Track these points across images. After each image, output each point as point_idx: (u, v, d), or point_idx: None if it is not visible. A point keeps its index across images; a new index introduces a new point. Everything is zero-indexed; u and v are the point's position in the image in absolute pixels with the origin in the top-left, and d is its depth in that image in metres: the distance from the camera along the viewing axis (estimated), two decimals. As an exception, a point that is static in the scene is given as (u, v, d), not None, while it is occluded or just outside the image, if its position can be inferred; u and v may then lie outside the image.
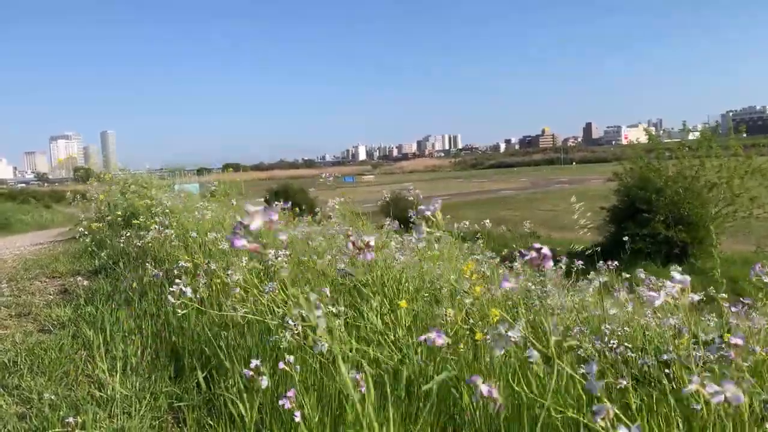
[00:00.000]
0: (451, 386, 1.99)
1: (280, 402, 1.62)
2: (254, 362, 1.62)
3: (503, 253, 5.29)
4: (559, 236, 18.05)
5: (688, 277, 1.19)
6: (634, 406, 1.56)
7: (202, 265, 3.50)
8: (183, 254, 4.50)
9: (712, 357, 1.84)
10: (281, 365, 1.79)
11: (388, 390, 1.84)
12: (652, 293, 1.47)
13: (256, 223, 0.94)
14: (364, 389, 1.72)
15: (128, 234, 5.81)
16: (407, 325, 2.75)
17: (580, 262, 4.37)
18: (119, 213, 7.60)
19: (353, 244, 1.21)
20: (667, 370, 2.28)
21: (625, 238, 5.92)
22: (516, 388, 1.59)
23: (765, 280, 1.94)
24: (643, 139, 18.57)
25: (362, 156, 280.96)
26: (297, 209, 6.20)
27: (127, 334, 3.26)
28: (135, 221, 6.52)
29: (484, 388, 1.06)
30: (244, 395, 1.90)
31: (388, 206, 5.26)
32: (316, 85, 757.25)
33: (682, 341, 2.24)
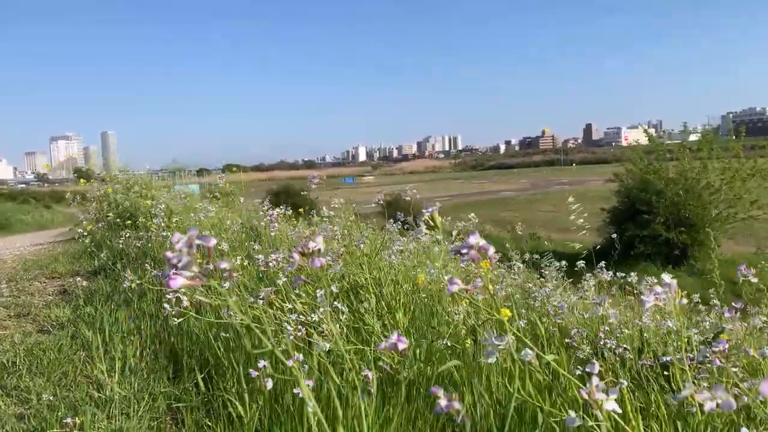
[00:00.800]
0: (450, 385, 1.99)
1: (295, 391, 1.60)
2: (262, 362, 1.62)
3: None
4: (559, 237, 18.03)
5: (674, 281, 1.19)
6: (629, 407, 1.56)
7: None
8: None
9: (707, 358, 1.84)
10: (290, 362, 1.78)
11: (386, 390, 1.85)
12: (644, 297, 1.47)
13: (185, 259, 0.85)
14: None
15: (127, 234, 5.81)
16: (405, 326, 2.75)
17: (582, 261, 4.37)
18: (118, 213, 7.60)
19: (301, 252, 1.19)
20: (666, 372, 2.28)
21: (614, 235, 5.90)
22: (510, 389, 1.59)
23: (752, 280, 1.94)
24: (644, 140, 18.57)
25: (362, 157, 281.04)
26: (300, 210, 6.22)
27: (126, 335, 3.26)
28: (129, 222, 6.52)
29: (443, 402, 1.05)
30: (245, 396, 1.90)
31: (387, 207, 5.25)
32: (316, 85, 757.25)
33: (681, 342, 2.24)
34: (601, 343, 2.52)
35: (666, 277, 1.29)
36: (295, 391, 1.61)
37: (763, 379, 1.13)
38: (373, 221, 6.04)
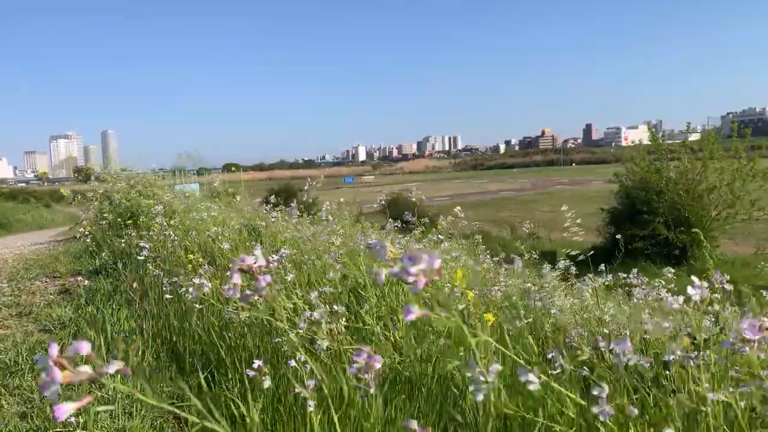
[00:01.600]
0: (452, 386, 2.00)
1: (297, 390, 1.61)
2: (257, 362, 1.63)
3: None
4: (560, 237, 18.06)
5: (706, 284, 1.19)
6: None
7: (200, 266, 3.51)
8: (184, 254, 4.51)
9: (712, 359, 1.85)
10: (292, 363, 1.79)
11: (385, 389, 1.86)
12: (671, 298, 1.46)
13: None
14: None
15: (129, 233, 5.82)
16: (406, 325, 2.76)
17: (574, 261, 4.38)
18: (119, 213, 7.60)
19: (242, 269, 1.09)
20: (667, 371, 2.29)
21: (618, 236, 5.88)
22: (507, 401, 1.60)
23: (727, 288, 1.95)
24: (645, 140, 18.57)
25: (362, 156, 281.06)
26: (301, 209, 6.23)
27: (128, 335, 3.27)
28: (130, 221, 6.53)
29: None
30: (248, 395, 1.90)
31: (387, 207, 5.27)
32: (315, 85, 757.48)
33: (685, 342, 2.24)
34: (602, 344, 2.52)
35: (696, 279, 1.28)
36: (297, 390, 1.61)
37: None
38: (374, 221, 6.05)
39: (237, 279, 1.15)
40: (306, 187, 7.12)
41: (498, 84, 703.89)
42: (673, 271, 3.72)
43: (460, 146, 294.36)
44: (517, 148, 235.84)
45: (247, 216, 6.89)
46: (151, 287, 3.93)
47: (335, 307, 2.18)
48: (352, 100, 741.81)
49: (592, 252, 4.35)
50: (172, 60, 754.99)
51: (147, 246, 4.39)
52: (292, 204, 4.48)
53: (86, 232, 7.43)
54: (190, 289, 2.20)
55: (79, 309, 4.16)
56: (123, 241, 5.79)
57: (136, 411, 2.29)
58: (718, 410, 1.47)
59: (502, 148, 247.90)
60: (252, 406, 1.87)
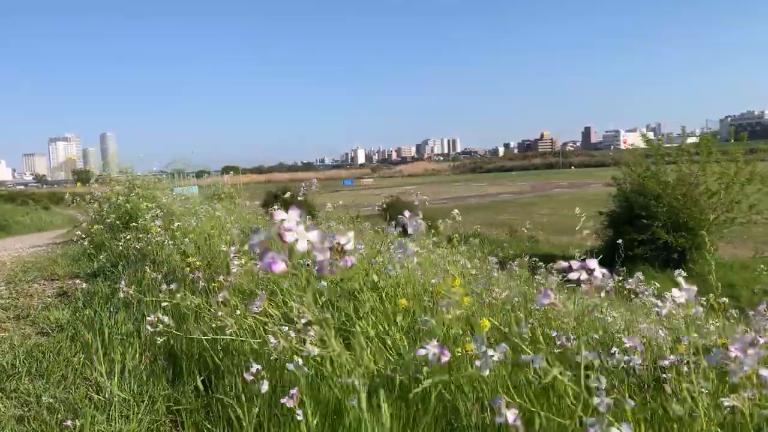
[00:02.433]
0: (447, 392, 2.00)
1: (282, 400, 1.61)
2: (255, 366, 1.63)
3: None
4: (558, 240, 18.07)
5: (694, 288, 1.20)
6: (628, 410, 1.57)
7: (197, 268, 3.50)
8: (180, 257, 4.51)
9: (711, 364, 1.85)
10: (290, 366, 1.79)
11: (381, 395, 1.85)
12: (658, 302, 1.47)
13: (302, 244, 0.81)
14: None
15: (127, 236, 5.81)
16: (402, 330, 2.76)
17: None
18: (118, 215, 7.60)
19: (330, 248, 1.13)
20: (665, 375, 2.29)
21: (619, 241, 5.88)
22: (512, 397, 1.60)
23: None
24: (642, 144, 18.60)
25: (361, 159, 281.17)
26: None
27: (125, 338, 3.27)
28: (133, 224, 6.52)
29: (510, 416, 1.03)
30: (243, 399, 1.90)
31: (387, 210, 5.28)
32: (314, 85, 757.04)
33: (680, 347, 2.25)
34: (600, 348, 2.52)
35: (682, 280, 1.29)
36: (292, 392, 1.61)
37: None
38: (373, 223, 6.04)
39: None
40: (302, 190, 7.11)
41: (498, 84, 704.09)
42: (684, 274, 3.71)
43: (459, 149, 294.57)
44: (516, 151, 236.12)
45: (246, 218, 6.90)
46: (148, 290, 3.93)
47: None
48: (352, 100, 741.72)
49: (600, 256, 4.35)
50: (172, 60, 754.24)
51: (157, 211, 4.39)
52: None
53: (84, 235, 7.42)
54: (147, 327, 2.21)
55: (77, 312, 4.16)
56: (121, 243, 5.79)
57: (133, 414, 2.29)
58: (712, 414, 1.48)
59: (501, 150, 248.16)
60: (246, 410, 1.87)
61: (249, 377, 1.61)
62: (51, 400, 2.50)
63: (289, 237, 0.81)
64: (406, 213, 1.43)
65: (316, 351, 1.94)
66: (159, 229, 5.18)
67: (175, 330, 3.13)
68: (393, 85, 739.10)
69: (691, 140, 18.84)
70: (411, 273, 3.41)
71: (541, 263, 5.32)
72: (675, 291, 1.18)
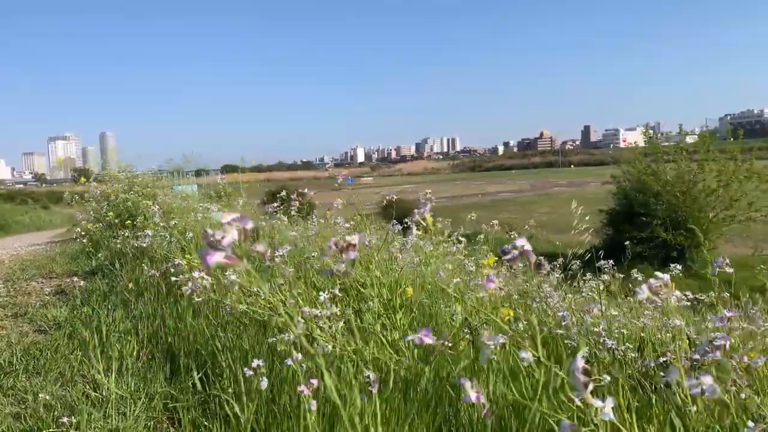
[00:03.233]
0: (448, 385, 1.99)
1: (299, 389, 1.60)
2: (256, 362, 1.61)
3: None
4: (558, 239, 18.07)
5: (667, 275, 1.20)
6: (624, 403, 1.55)
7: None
8: (180, 254, 4.49)
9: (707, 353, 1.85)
10: (288, 362, 1.78)
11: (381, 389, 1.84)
12: (637, 288, 1.48)
13: (229, 237, 0.84)
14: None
15: (125, 234, 5.80)
16: (405, 325, 2.75)
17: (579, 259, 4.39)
18: (117, 213, 7.58)
19: (335, 244, 1.18)
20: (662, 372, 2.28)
21: (627, 243, 5.85)
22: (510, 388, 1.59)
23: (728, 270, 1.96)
24: (642, 142, 18.60)
25: (361, 158, 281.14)
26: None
27: (123, 335, 3.26)
28: (129, 222, 6.50)
29: (472, 395, 1.04)
30: (243, 396, 1.89)
31: (387, 208, 5.28)
32: (313, 85, 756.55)
33: (683, 343, 2.24)
34: (599, 341, 2.52)
35: (659, 273, 1.30)
36: (300, 388, 1.60)
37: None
38: (376, 222, 6.04)
39: (333, 247, 1.18)
40: (335, 180, 7.10)
41: (498, 84, 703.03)
42: (680, 268, 3.73)
43: (458, 148, 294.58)
44: (515, 149, 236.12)
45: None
46: (146, 288, 3.92)
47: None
48: (352, 100, 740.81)
49: (601, 252, 4.34)
50: (172, 60, 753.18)
51: (149, 233, 4.39)
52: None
53: (83, 233, 7.41)
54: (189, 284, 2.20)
55: (75, 309, 4.15)
56: (119, 241, 5.77)
57: (130, 411, 2.28)
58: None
59: (501, 149, 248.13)
60: (246, 407, 1.86)
61: (249, 372, 1.60)
62: (48, 398, 2.48)
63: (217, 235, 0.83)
64: (416, 212, 1.43)
65: (329, 347, 1.94)
66: (158, 227, 5.17)
67: (172, 328, 3.13)
68: (393, 85, 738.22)
69: (690, 139, 18.84)
70: (413, 269, 3.41)
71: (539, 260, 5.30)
72: (651, 280, 1.18)
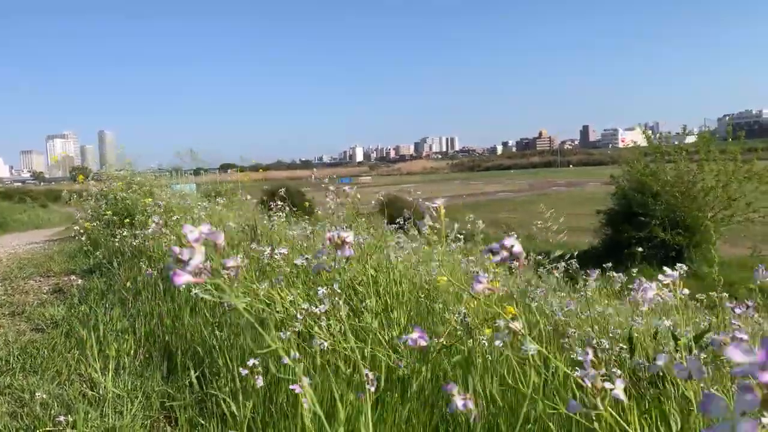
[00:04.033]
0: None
1: (291, 387, 1.60)
2: (252, 361, 1.61)
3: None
4: (556, 239, 18.06)
5: (676, 273, 1.20)
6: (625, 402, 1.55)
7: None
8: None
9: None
10: (285, 360, 1.77)
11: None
12: (645, 284, 1.48)
13: (197, 258, 0.81)
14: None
15: (123, 233, 5.79)
16: (403, 325, 2.74)
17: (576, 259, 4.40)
18: (116, 211, 7.56)
19: (330, 240, 1.17)
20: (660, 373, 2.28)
21: (639, 249, 5.81)
22: (508, 386, 1.59)
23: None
24: (641, 141, 18.59)
25: (359, 157, 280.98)
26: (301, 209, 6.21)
27: (120, 334, 3.25)
28: (128, 220, 6.49)
29: (459, 402, 1.03)
30: (240, 395, 1.88)
31: (386, 207, 5.27)
32: (314, 85, 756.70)
33: (679, 343, 2.23)
34: (594, 342, 2.51)
35: (668, 269, 1.29)
36: (292, 387, 1.59)
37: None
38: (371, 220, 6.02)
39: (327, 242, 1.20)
40: (317, 181, 7.11)
41: (498, 84, 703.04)
42: (686, 268, 3.73)
43: (457, 147, 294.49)
44: (514, 149, 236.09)
45: (244, 216, 6.87)
46: (144, 286, 3.91)
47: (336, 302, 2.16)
48: (352, 100, 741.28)
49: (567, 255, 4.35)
50: (172, 60, 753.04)
51: (157, 219, 4.39)
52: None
53: (81, 231, 7.39)
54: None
55: (72, 308, 4.14)
56: (117, 240, 5.76)
57: (127, 410, 2.27)
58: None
59: (500, 149, 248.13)
60: (242, 405, 1.85)
61: (245, 372, 1.59)
62: (44, 396, 2.48)
63: (185, 254, 0.80)
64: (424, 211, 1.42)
65: (326, 344, 1.93)
66: (156, 225, 5.15)
67: (169, 326, 3.12)
68: (393, 85, 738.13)
69: (690, 139, 18.84)
70: (409, 268, 3.40)
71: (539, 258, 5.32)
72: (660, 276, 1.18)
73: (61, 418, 2.15)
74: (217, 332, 2.64)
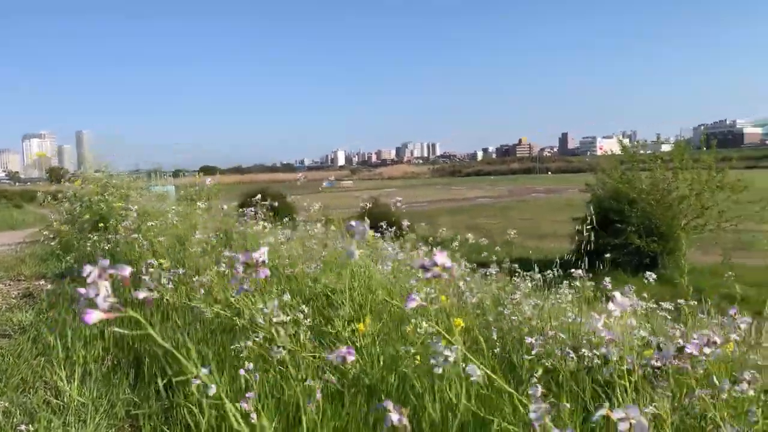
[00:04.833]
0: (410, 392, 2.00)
1: (240, 403, 1.59)
2: (204, 370, 1.59)
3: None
4: (535, 245, 18.24)
5: (627, 300, 1.23)
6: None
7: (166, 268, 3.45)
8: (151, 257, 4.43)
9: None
10: (242, 372, 1.78)
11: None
12: (611, 303, 1.51)
13: (102, 293, 0.83)
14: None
15: (95, 237, 5.71)
16: (373, 333, 2.75)
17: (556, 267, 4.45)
18: (91, 215, 7.45)
19: (245, 263, 1.17)
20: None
21: (607, 252, 5.85)
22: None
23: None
24: (617, 150, 18.88)
25: (341, 161, 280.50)
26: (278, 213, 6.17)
27: (88, 340, 3.20)
28: (101, 224, 6.41)
29: (394, 417, 1.04)
30: (202, 403, 1.87)
31: (368, 211, 5.27)
32: (296, 87, 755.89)
33: (647, 352, 2.27)
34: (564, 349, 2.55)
35: (618, 294, 1.32)
36: (249, 395, 1.59)
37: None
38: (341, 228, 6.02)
39: (240, 268, 1.26)
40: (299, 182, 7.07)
41: (497, 84, 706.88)
42: (654, 276, 3.81)
43: (438, 153, 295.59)
44: (494, 155, 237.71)
45: (219, 221, 6.81)
46: (115, 291, 3.85)
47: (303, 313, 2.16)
48: (352, 100, 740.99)
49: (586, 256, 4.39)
50: (172, 60, 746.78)
51: (134, 208, 4.34)
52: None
53: (52, 235, 7.28)
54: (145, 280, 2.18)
55: (41, 313, 4.07)
56: (89, 244, 5.68)
57: (90, 418, 2.24)
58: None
59: (480, 155, 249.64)
60: (205, 413, 1.85)
61: (195, 381, 1.58)
62: (7, 404, 2.43)
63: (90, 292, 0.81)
64: (353, 222, 1.44)
65: (283, 352, 1.93)
66: (129, 230, 5.10)
67: (138, 334, 3.08)
68: (392, 84, 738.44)
69: (666, 147, 19.16)
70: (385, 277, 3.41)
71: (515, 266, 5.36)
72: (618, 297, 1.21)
73: (23, 428, 2.11)
74: (186, 338, 2.62)
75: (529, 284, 4.68)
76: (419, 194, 56.94)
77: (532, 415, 1.02)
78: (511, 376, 2.33)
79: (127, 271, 0.82)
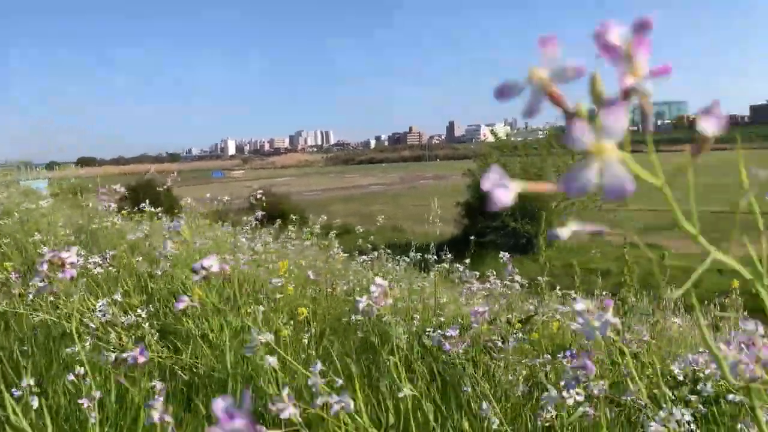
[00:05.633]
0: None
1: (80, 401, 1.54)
2: (25, 381, 1.53)
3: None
4: (422, 230, 18.87)
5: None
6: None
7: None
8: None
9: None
10: (70, 377, 1.71)
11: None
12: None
13: None
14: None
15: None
16: (237, 327, 2.75)
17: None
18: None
19: (50, 261, 1.15)
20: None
21: (472, 237, 6.20)
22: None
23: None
24: (492, 138, 20.03)
25: (232, 150, 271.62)
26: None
27: None
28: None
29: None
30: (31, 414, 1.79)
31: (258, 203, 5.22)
32: (177, 74, 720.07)
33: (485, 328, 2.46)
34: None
35: (580, 303, 1.41)
36: (82, 401, 1.55)
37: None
38: (241, 217, 5.89)
39: (44, 267, 1.17)
40: (168, 182, 6.73)
41: (371, 79, 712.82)
42: (508, 255, 4.08)
43: (332, 141, 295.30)
44: (386, 143, 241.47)
45: (83, 216, 6.40)
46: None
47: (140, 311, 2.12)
48: (222, 90, 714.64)
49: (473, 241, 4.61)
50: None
51: None
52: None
53: None
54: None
55: None
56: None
57: None
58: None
59: (373, 143, 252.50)
60: (44, 424, 1.76)
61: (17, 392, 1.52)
62: None
63: None
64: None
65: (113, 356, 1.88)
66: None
67: None
68: (267, 75, 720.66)
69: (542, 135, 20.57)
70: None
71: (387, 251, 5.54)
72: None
73: None
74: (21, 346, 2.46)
75: (397, 267, 4.86)
76: (313, 183, 56.72)
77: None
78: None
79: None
